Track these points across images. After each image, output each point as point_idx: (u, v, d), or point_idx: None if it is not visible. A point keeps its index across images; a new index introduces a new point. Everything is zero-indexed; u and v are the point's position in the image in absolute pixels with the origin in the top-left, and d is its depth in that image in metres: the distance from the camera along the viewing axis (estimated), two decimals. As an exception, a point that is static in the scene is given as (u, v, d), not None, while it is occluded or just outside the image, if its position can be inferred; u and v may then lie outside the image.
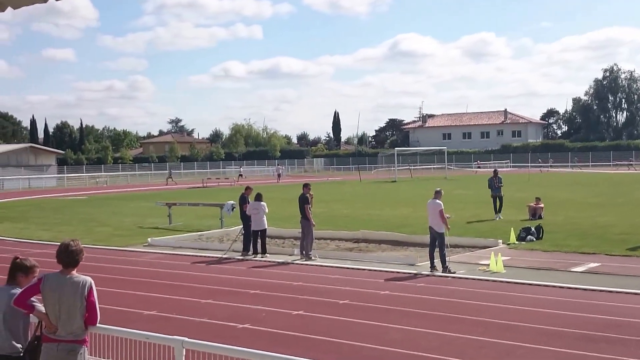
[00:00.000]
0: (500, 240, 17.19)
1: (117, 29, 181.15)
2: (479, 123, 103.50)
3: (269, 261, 15.66)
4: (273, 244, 17.88)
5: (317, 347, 8.45)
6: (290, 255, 16.31)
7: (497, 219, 22.77)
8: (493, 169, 26.72)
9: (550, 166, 76.02)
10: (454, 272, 13.35)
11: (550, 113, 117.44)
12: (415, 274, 13.49)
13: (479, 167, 76.27)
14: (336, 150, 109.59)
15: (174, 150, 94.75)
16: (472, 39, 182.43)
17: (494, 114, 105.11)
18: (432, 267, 13.65)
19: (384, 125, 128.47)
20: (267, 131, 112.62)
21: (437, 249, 13.75)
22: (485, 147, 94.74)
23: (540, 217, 22.12)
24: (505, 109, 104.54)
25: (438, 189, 14.35)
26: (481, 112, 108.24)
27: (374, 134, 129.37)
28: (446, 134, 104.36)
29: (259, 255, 16.25)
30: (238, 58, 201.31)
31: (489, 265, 13.77)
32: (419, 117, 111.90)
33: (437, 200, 13.90)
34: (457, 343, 8.60)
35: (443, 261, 13.55)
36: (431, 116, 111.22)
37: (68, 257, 5.19)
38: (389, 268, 14.14)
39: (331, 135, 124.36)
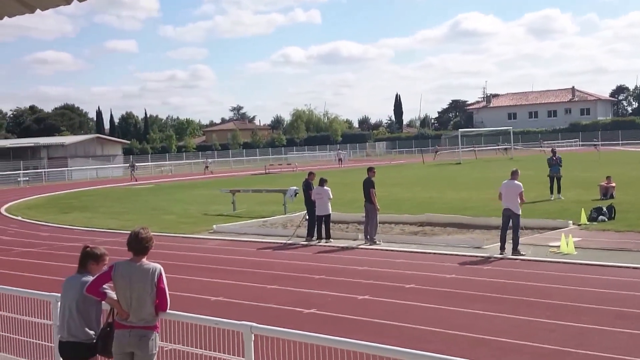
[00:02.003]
0: (571, 221, 16.67)
1: (177, 19, 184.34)
2: (546, 102, 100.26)
3: (334, 246, 15.65)
4: (337, 229, 17.86)
5: (384, 332, 8.39)
6: (354, 240, 16.26)
7: (558, 198, 22.28)
8: (551, 148, 26.06)
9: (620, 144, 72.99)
10: (524, 254, 13.03)
11: (620, 89, 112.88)
12: (483, 257, 13.23)
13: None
14: (398, 134, 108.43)
15: (236, 137, 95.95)
16: (535, 15, 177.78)
17: (561, 92, 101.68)
18: (502, 249, 13.34)
19: (447, 106, 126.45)
20: (328, 116, 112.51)
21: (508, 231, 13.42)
22: (553, 126, 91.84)
23: (612, 197, 21.34)
24: (573, 87, 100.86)
25: (514, 169, 13.96)
26: (547, 90, 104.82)
27: (437, 115, 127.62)
28: (511, 113, 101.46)
29: (323, 241, 16.27)
30: (297, 44, 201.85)
31: (559, 246, 13.39)
32: (483, 97, 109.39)
33: (516, 182, 13.50)
34: (527, 327, 8.40)
35: (516, 243, 13.23)
36: (495, 96, 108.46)
37: (138, 244, 5.28)
38: (455, 251, 13.92)
39: (393, 118, 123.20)
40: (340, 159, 64.56)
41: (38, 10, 4.91)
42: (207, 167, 60.07)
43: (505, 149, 66.46)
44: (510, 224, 13.39)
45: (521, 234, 13.68)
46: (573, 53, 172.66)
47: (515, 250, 13.17)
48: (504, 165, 40.29)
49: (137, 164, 58.85)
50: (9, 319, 6.56)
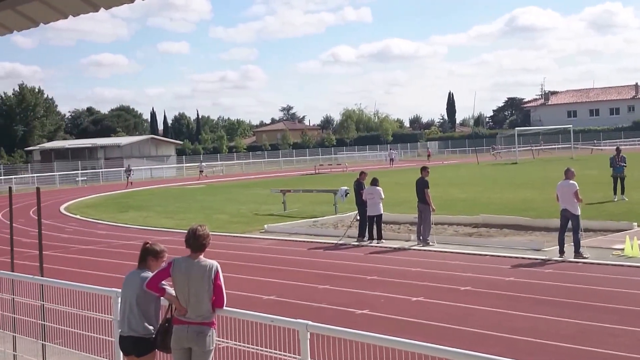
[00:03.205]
0: (635, 223, 16.01)
1: (228, 20, 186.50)
2: (608, 99, 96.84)
3: (386, 247, 15.47)
4: (388, 230, 17.65)
5: (439, 334, 8.20)
6: (406, 240, 16.04)
7: (622, 199, 21.59)
8: (616, 147, 25.17)
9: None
10: (587, 257, 12.59)
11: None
12: (543, 260, 12.83)
13: None
14: (451, 133, 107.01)
15: (286, 137, 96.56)
16: (596, 9, 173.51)
17: (623, 89, 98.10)
18: (562, 252, 12.92)
19: (502, 104, 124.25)
20: (378, 115, 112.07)
21: (567, 233, 12.99)
22: (615, 124, 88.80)
23: (678, 198, 20.49)
24: (636, 83, 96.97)
25: (568, 168, 13.51)
26: (609, 87, 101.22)
27: (492, 114, 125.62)
28: (571, 111, 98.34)
29: (375, 241, 16.09)
30: (347, 42, 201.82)
31: (623, 249, 12.90)
32: (541, 95, 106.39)
33: (571, 181, 13.05)
34: (591, 332, 8.11)
35: (577, 245, 12.79)
36: (554, 93, 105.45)
37: (196, 241, 5.30)
38: (512, 254, 13.54)
39: (445, 117, 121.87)
40: (391, 159, 64.12)
41: (93, 14, 4.95)
42: (201, 171, 55.88)
43: (499, 152, 66.09)
44: (570, 225, 12.96)
45: (583, 236, 13.22)
46: (636, 48, 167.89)
47: (577, 253, 12.73)
48: (564, 165, 39.16)
49: (133, 168, 52.92)
50: (71, 314, 6.67)
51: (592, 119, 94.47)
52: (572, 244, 12.85)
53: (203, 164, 60.38)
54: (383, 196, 16.40)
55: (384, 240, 16.06)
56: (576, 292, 10.14)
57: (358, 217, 16.94)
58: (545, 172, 38.99)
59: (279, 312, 8.77)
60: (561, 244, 12.98)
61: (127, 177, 49.30)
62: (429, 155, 69.50)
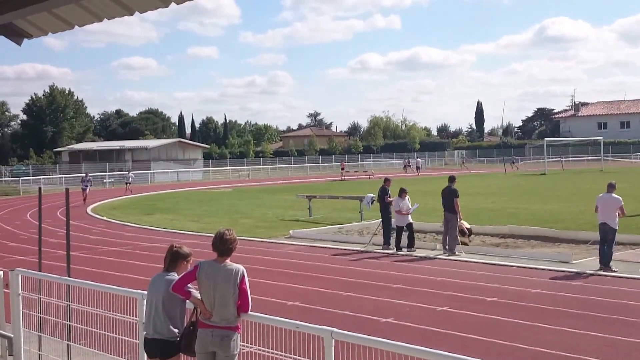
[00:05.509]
0: (666, 237, 15.73)
1: (257, 26, 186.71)
2: (639, 111, 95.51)
3: (411, 255, 15.34)
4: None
5: (465, 345, 8.10)
6: (432, 249, 15.90)
7: None
8: None
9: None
10: (616, 271, 12.39)
11: None
12: (571, 272, 12.63)
13: None
14: (479, 142, 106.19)
15: (312, 143, 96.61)
16: (628, 21, 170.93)
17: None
18: (602, 263, 12.72)
19: (532, 114, 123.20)
20: (405, 123, 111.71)
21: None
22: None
23: None
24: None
25: (612, 181, 13.24)
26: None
27: (520, 124, 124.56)
28: (601, 123, 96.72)
29: (387, 246, 16.10)
30: (375, 50, 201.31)
31: (654, 264, 12.63)
32: (571, 106, 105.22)
33: (614, 195, 12.84)
34: (620, 346, 7.97)
35: (609, 258, 12.61)
36: (585, 104, 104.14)
37: (223, 245, 5.29)
38: (539, 265, 13.39)
39: (474, 126, 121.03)
40: (418, 167, 63.74)
41: (126, 18, 4.97)
42: (128, 183, 43.06)
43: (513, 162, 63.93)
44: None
45: (614, 249, 13.00)
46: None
47: (607, 266, 12.52)
48: (593, 177, 38.68)
49: (91, 175, 39.66)
50: (97, 316, 6.71)
51: (623, 131, 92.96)
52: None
53: (130, 174, 45.96)
54: (400, 208, 15.90)
55: (404, 250, 15.81)
56: (605, 305, 9.97)
57: (383, 225, 16.84)
58: (574, 183, 38.48)
59: (302, 318, 8.74)
60: (602, 256, 12.79)
61: (84, 188, 35.25)
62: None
